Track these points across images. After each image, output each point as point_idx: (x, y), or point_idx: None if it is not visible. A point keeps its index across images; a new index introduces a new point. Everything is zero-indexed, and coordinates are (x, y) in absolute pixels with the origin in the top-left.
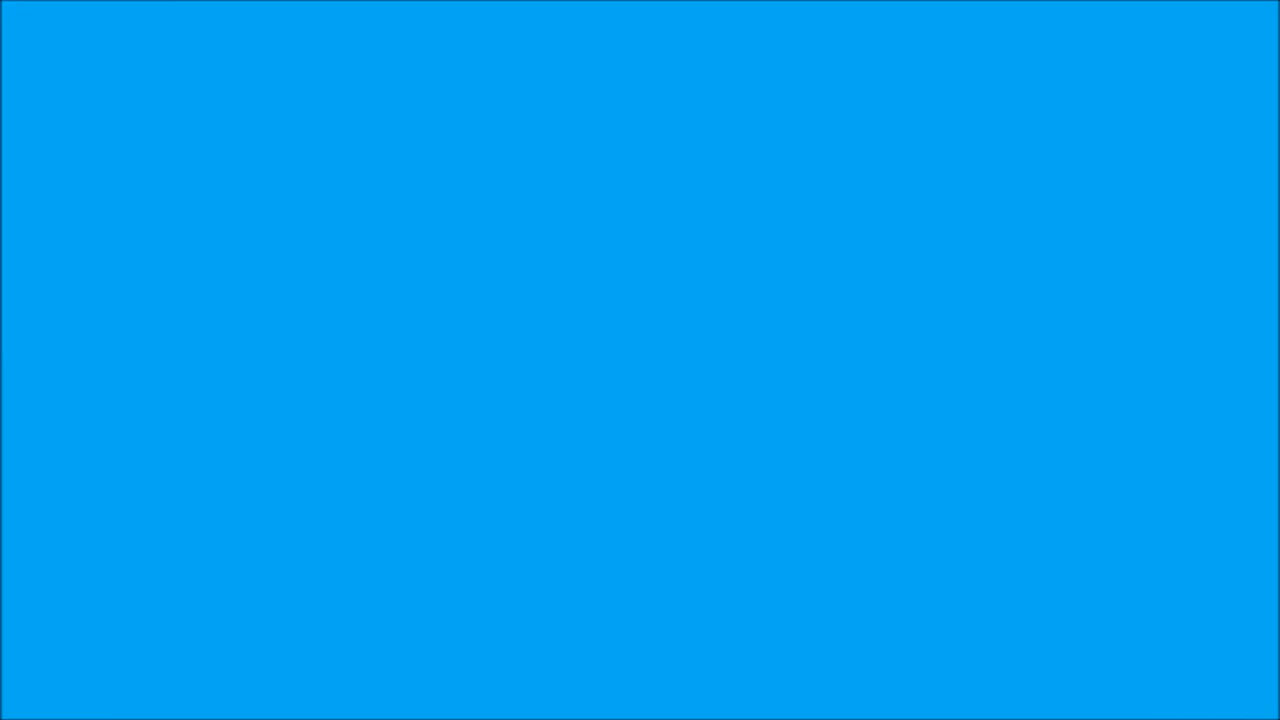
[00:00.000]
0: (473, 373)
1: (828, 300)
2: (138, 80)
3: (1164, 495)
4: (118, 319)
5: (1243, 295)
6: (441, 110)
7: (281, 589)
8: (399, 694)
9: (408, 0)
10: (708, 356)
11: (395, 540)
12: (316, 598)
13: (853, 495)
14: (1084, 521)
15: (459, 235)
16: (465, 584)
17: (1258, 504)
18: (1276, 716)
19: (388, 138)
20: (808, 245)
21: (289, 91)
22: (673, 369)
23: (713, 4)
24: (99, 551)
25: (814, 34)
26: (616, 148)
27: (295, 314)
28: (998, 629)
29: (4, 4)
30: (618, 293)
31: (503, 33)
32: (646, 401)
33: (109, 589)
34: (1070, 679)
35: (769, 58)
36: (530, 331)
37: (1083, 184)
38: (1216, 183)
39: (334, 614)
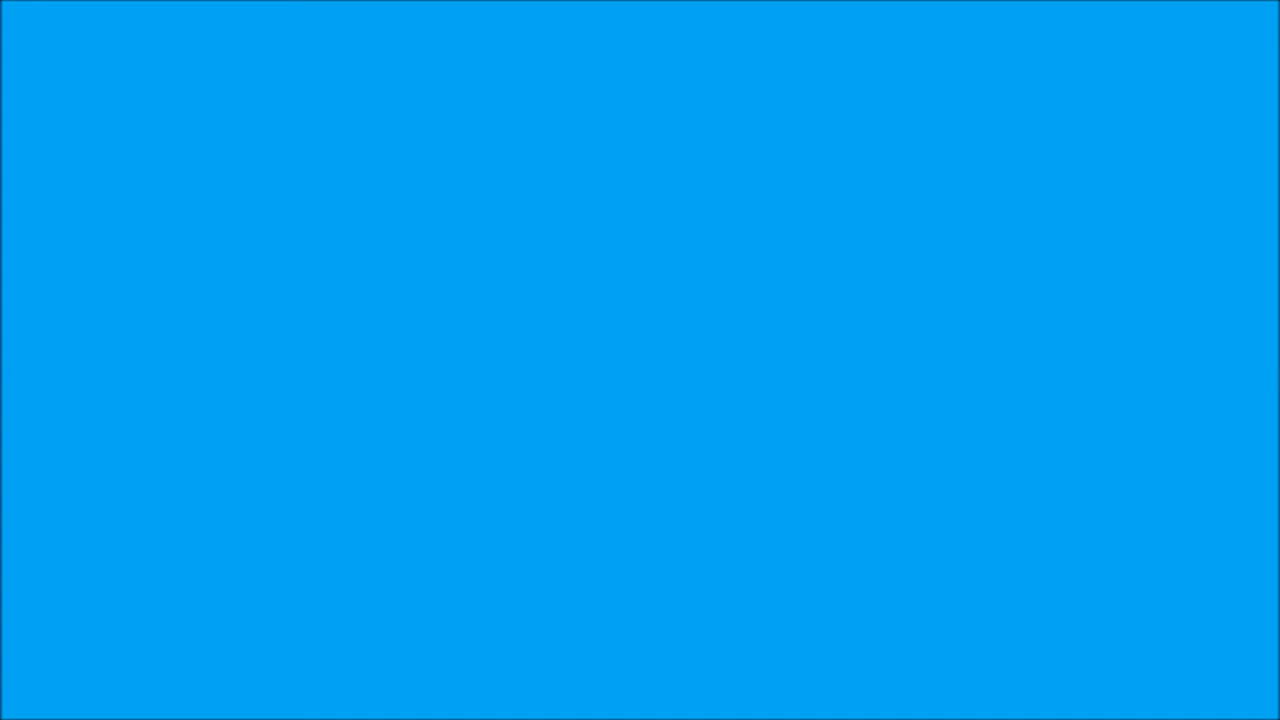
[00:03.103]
0: (472, 372)
1: (828, 300)
2: (138, 80)
3: (1164, 495)
4: (118, 319)
5: (1243, 295)
6: (442, 110)
7: (282, 589)
8: (399, 694)
9: (408, 0)
10: (708, 356)
11: (395, 540)
12: (317, 598)
13: (853, 495)
14: (1084, 522)
15: (459, 235)
16: (465, 584)
17: (1258, 504)
18: (1276, 717)
19: (388, 138)
20: (808, 245)
21: (289, 91)
22: (673, 369)
23: (713, 4)
24: (99, 551)
25: (814, 34)
26: (616, 148)
27: (295, 313)
28: (998, 629)
29: (4, 4)
30: (617, 293)
31: (503, 33)
32: (646, 402)
33: (109, 589)
34: (1070, 679)
35: (769, 58)
36: (530, 331)
37: (1083, 184)
38: (1217, 183)
39: (334, 614)
